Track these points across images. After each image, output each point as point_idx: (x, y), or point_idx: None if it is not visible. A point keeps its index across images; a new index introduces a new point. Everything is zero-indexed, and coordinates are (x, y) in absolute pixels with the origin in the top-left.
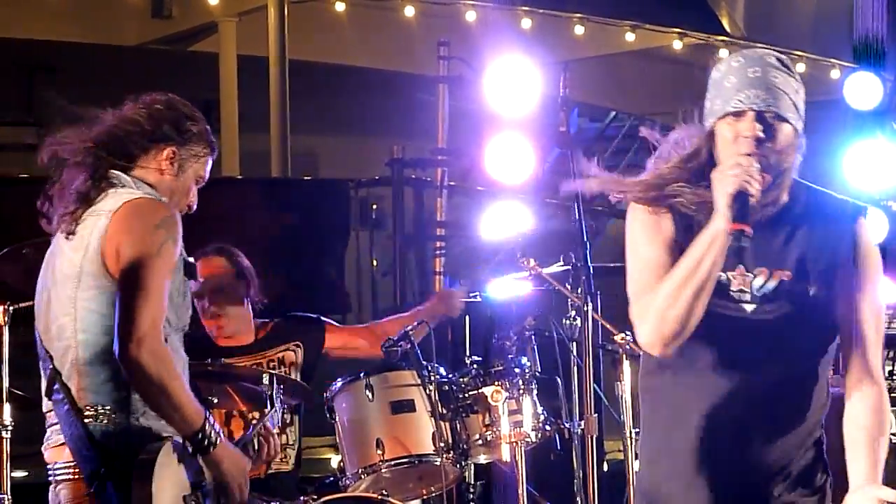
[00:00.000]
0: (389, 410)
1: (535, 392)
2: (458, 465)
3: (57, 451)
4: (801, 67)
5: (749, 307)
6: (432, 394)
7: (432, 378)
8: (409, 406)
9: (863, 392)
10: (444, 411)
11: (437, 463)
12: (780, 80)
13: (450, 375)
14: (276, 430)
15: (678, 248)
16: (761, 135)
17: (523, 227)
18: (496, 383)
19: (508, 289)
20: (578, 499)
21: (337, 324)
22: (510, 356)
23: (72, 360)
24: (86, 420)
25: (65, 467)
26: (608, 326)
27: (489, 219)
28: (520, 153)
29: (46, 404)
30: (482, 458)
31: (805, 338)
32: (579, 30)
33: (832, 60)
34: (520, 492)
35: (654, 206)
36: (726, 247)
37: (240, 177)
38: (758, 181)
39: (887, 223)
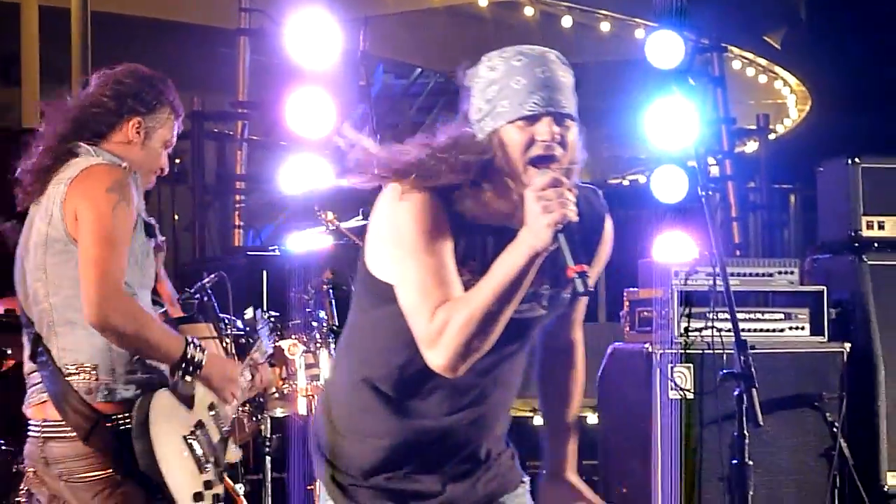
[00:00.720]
0: None
1: (332, 346)
2: (254, 419)
3: (39, 409)
4: (605, 27)
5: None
6: (229, 346)
7: (229, 331)
8: None
9: (577, 368)
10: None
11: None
12: (566, 79)
13: (247, 328)
14: (263, 361)
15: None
16: (559, 137)
17: (322, 181)
18: (293, 337)
19: (307, 242)
20: None
21: None
22: (308, 310)
23: (48, 323)
24: (68, 378)
25: (55, 425)
26: None
27: (288, 172)
28: (321, 108)
29: (29, 366)
30: (278, 412)
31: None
32: None
33: (637, 20)
34: None
35: (429, 198)
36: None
37: (41, 129)
38: (574, 203)
39: (686, 182)
